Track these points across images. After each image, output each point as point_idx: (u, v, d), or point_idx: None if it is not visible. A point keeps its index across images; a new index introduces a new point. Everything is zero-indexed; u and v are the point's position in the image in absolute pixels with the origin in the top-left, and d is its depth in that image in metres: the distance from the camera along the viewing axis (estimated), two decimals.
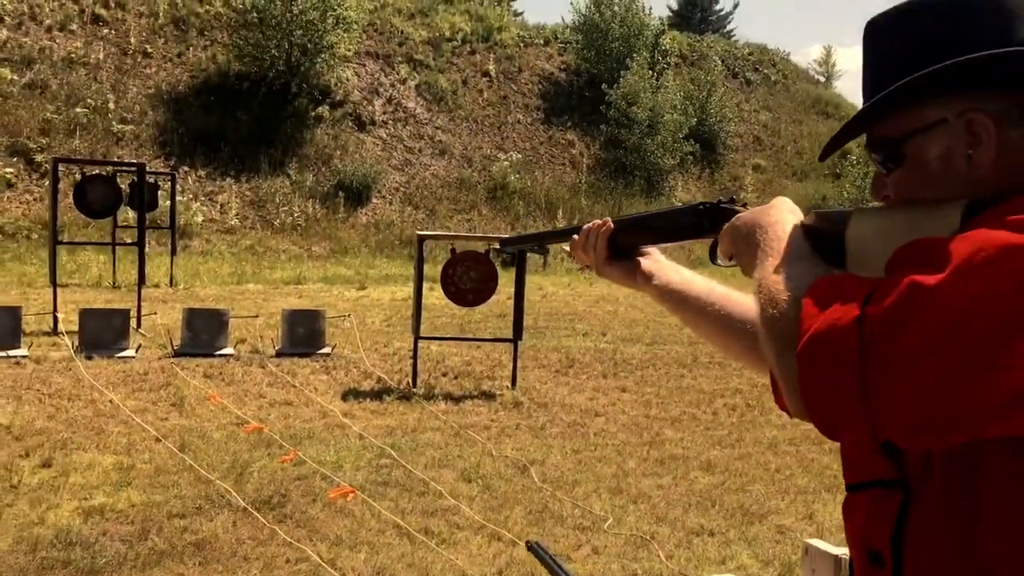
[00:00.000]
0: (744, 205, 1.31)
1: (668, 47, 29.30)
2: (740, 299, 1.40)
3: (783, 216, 1.14)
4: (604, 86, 25.85)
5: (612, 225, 1.51)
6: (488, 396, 7.88)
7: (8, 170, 18.21)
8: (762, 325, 0.99)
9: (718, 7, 47.25)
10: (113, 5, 22.91)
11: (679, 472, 6.02)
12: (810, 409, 0.91)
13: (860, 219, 1.08)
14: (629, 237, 1.51)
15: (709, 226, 1.36)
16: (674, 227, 1.45)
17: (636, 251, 1.52)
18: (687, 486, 5.74)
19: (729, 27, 46.41)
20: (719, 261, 1.33)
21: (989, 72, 0.99)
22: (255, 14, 22.18)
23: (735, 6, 66.93)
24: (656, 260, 1.52)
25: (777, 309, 0.97)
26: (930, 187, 1.03)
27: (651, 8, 29.02)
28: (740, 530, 5.00)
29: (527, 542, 2.31)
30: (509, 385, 8.23)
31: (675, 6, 45.75)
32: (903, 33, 1.06)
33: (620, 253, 1.52)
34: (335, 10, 22.61)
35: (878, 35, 1.10)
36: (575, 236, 1.58)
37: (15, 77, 20.09)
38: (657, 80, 26.24)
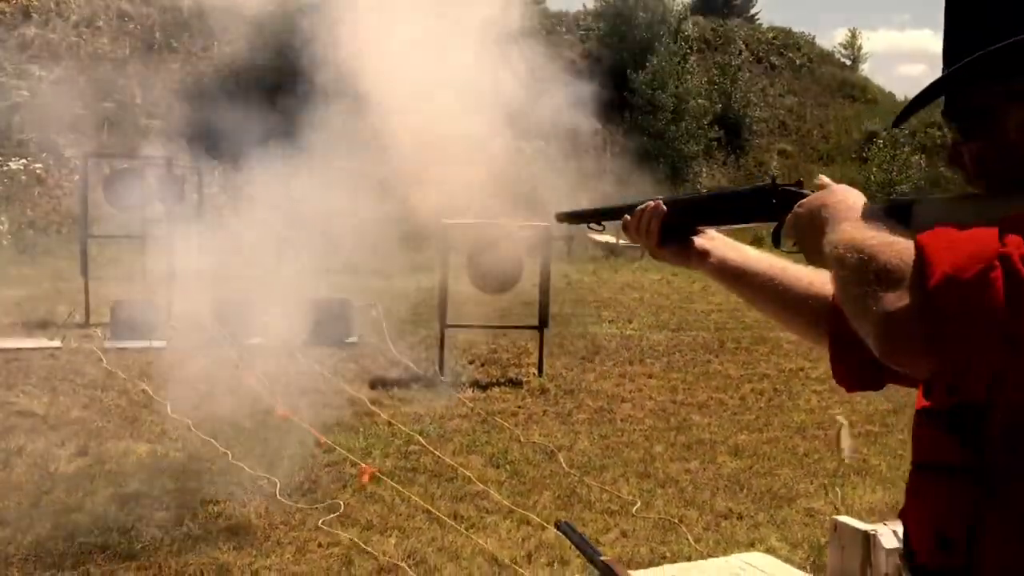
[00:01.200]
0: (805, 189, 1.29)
1: (691, 33, 29.09)
2: (797, 272, 1.39)
3: (849, 194, 1.14)
4: (629, 72, 25.71)
5: (664, 209, 1.45)
6: (515, 383, 7.91)
7: (38, 166, 18.44)
8: (851, 272, 0.97)
9: None
10: (138, 1, 23.09)
11: (707, 456, 6.02)
12: (929, 350, 0.88)
13: (924, 207, 1.07)
14: (684, 219, 1.46)
15: (773, 209, 1.31)
16: (736, 210, 1.40)
17: (691, 231, 1.48)
18: (715, 470, 5.74)
19: (753, 11, 45.97)
20: (783, 246, 1.30)
21: None
22: (280, 8, 22.23)
23: None
24: (711, 237, 1.49)
25: (868, 253, 0.95)
26: (1009, 159, 1.01)
27: None
28: (769, 513, 5.01)
29: (557, 522, 2.34)
30: (536, 372, 8.25)
31: None
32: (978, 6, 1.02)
33: (674, 234, 1.47)
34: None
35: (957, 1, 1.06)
36: (627, 216, 1.52)
37: (43, 74, 20.32)
38: (681, 66, 26.08)
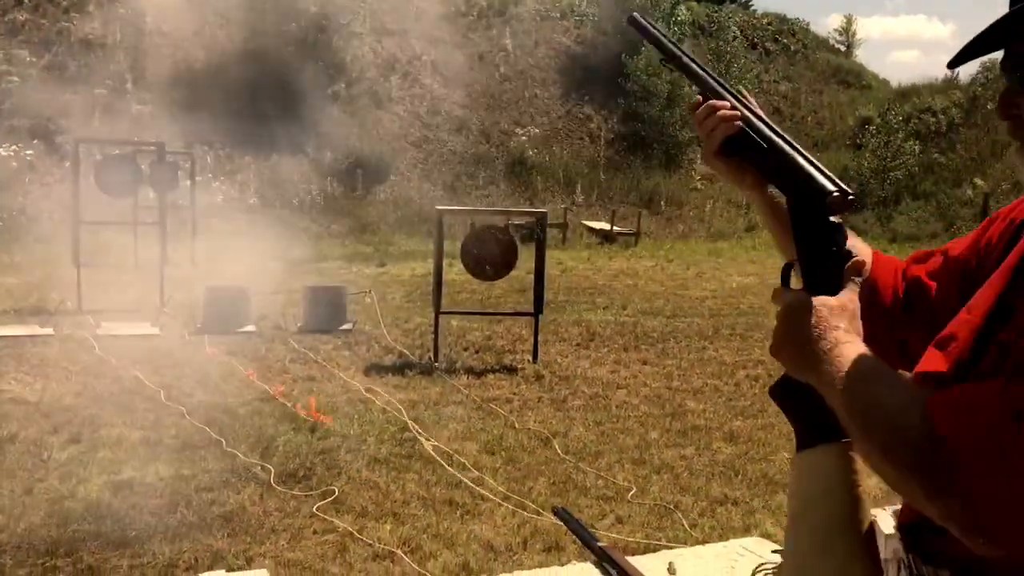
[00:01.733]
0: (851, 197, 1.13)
1: (685, 18, 29.00)
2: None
3: (851, 338, 1.04)
4: (624, 56, 25.64)
5: (737, 127, 1.27)
6: (510, 370, 7.90)
7: (29, 152, 18.33)
8: (876, 448, 0.95)
9: None
10: None
11: (702, 443, 6.02)
12: (991, 525, 0.87)
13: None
14: (748, 148, 1.25)
15: (817, 215, 1.12)
16: (790, 185, 1.19)
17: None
18: (710, 456, 5.74)
19: None
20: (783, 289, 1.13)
21: None
22: None
23: None
24: None
25: (883, 429, 0.93)
26: None
27: None
28: (764, 499, 5.00)
29: (554, 508, 2.32)
30: (530, 359, 8.24)
31: None
32: None
33: (736, 150, 1.27)
34: None
35: None
36: (700, 97, 1.31)
37: (34, 59, 20.19)
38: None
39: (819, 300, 1.06)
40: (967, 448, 0.87)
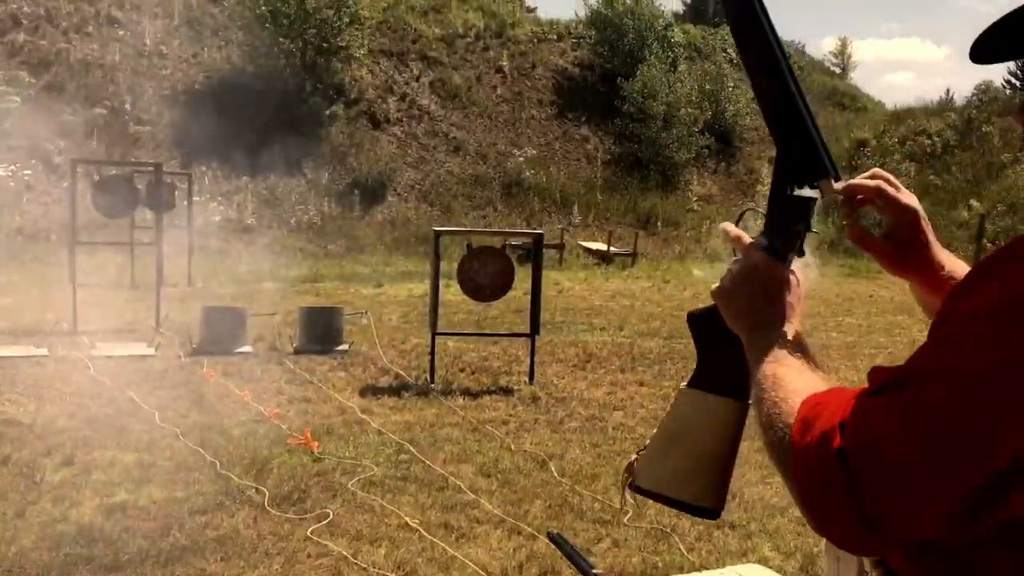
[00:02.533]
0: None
1: (679, 40, 29.20)
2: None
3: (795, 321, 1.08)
4: (620, 79, 25.78)
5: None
6: (506, 391, 7.88)
7: (27, 172, 18.36)
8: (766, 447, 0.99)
9: None
10: (128, 7, 23.04)
11: None
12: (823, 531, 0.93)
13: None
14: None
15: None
16: (792, 147, 1.16)
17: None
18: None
19: None
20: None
21: None
22: (268, 14, 22.24)
23: None
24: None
25: (774, 434, 0.97)
26: None
27: (662, 3, 28.85)
28: (761, 522, 4.98)
29: (549, 533, 2.30)
30: (527, 380, 8.22)
31: (688, 0, 45.54)
32: None
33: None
34: (349, 8, 22.66)
35: None
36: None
37: (33, 80, 20.25)
38: (671, 73, 26.16)
39: (790, 274, 1.10)
40: (796, 452, 0.90)
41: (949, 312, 0.87)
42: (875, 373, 0.92)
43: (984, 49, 0.98)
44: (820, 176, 1.14)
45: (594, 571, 2.00)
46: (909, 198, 1.23)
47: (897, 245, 1.23)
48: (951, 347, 0.84)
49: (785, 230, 1.13)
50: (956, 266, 1.24)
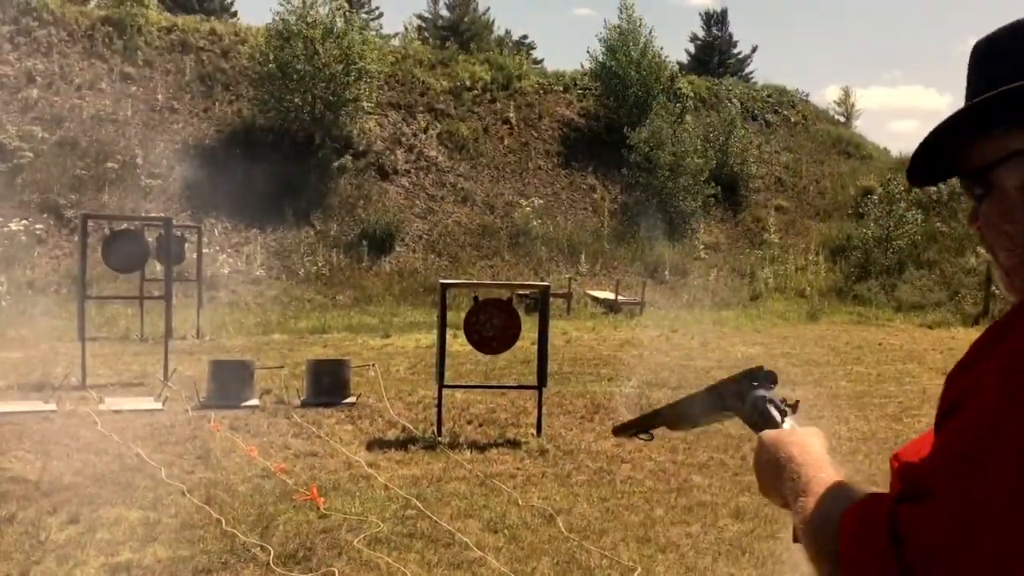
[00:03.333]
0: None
1: (685, 90, 29.50)
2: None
3: (810, 443, 1.17)
4: (626, 130, 26.02)
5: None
6: (513, 444, 7.84)
7: (39, 226, 18.54)
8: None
9: (736, 51, 47.60)
10: (141, 63, 23.44)
11: (708, 519, 5.93)
12: None
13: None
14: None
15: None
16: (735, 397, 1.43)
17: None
18: (716, 534, 5.65)
19: (747, 70, 46.69)
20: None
21: None
22: (278, 70, 22.59)
23: (754, 49, 67.36)
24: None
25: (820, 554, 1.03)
26: (1010, 219, 1.02)
27: (667, 54, 29.20)
28: None
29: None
30: (534, 432, 8.18)
31: (693, 51, 46.15)
32: (987, 58, 1.04)
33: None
34: (357, 63, 23.01)
35: (976, 58, 1.07)
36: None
37: (46, 135, 20.55)
38: (678, 123, 26.39)
39: (766, 435, 1.24)
40: (851, 565, 0.95)
41: (959, 395, 0.94)
42: (904, 470, 0.98)
43: (916, 176, 1.12)
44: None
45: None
46: None
47: None
48: (975, 440, 0.89)
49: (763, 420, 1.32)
50: None
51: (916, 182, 1.14)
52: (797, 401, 1.33)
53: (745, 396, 1.35)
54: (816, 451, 1.15)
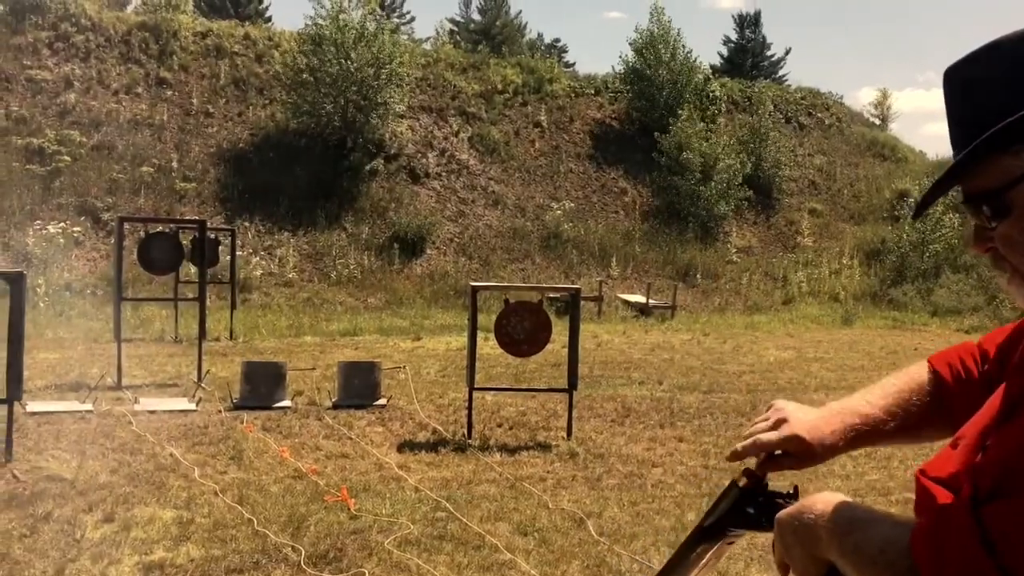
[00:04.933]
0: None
1: (718, 94, 29.34)
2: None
3: (832, 505, 1.13)
4: (657, 134, 25.92)
5: None
6: (544, 447, 7.82)
7: (76, 229, 18.81)
8: None
9: (769, 53, 47.28)
10: (177, 68, 23.73)
11: None
12: None
13: None
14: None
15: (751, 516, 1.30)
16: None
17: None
18: (748, 539, 5.58)
19: (781, 72, 46.36)
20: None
21: None
22: (310, 74, 22.77)
23: (787, 52, 66.87)
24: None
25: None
26: None
27: (698, 57, 29.05)
28: None
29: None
30: (565, 435, 8.16)
31: (726, 53, 45.90)
32: (986, 74, 1.03)
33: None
34: (388, 66, 23.13)
35: (957, 83, 1.07)
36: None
37: (84, 139, 20.86)
38: (710, 127, 26.25)
39: (781, 514, 1.17)
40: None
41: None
42: (981, 471, 0.97)
43: (920, 211, 1.16)
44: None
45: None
46: (785, 434, 1.36)
47: (810, 462, 1.38)
48: None
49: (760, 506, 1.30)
50: (895, 397, 1.38)
51: (917, 216, 1.17)
52: (796, 487, 1.30)
53: (754, 513, 1.29)
54: (840, 498, 1.12)
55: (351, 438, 7.81)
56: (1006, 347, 1.26)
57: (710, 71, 30.79)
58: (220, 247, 15.95)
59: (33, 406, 8.26)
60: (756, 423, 1.41)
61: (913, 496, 1.10)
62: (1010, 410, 0.97)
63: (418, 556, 5.07)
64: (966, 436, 1.11)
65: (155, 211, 19.59)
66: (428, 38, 39.13)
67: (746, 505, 1.30)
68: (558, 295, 17.12)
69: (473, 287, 8.52)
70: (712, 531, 1.34)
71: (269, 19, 39.83)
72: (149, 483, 6.27)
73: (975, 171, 1.03)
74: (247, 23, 29.15)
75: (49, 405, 8.45)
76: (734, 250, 24.94)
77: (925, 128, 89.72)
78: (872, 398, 1.36)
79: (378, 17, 24.32)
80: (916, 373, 1.39)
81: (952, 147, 1.07)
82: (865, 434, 1.35)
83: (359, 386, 9.21)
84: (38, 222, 18.53)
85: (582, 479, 6.90)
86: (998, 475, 0.91)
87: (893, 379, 1.39)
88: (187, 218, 17.46)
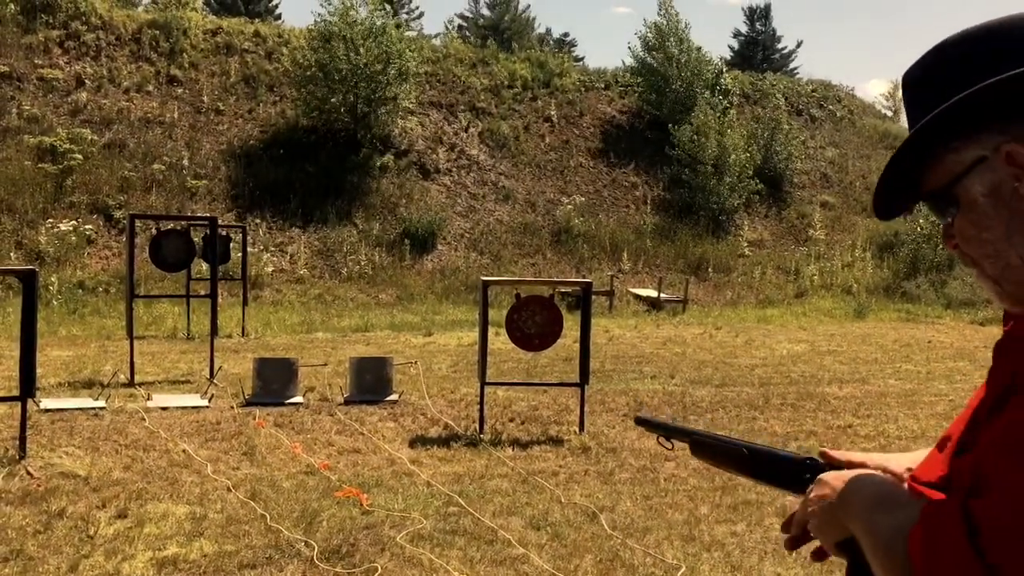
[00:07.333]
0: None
1: (730, 86, 29.21)
2: None
3: (866, 488, 1.13)
4: (670, 127, 25.82)
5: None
6: (556, 441, 7.81)
7: (88, 227, 18.88)
8: None
9: (780, 46, 47.07)
10: (187, 66, 23.77)
11: (753, 518, 5.85)
12: None
13: None
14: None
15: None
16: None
17: None
18: (762, 533, 5.57)
19: (792, 65, 46.14)
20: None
21: (1019, 98, 0.98)
22: (319, 70, 22.77)
23: (799, 44, 66.57)
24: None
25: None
26: (986, 228, 1.02)
27: (709, 51, 28.94)
28: None
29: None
30: (577, 430, 8.14)
31: (736, 46, 45.72)
32: (933, 76, 1.06)
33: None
34: (397, 62, 23.12)
35: (908, 87, 1.11)
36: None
37: (95, 137, 20.92)
38: (721, 119, 26.14)
39: (823, 477, 1.19)
40: (933, 572, 0.92)
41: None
42: (972, 465, 0.97)
43: (882, 210, 1.16)
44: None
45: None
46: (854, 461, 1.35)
47: None
48: None
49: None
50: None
51: (882, 215, 1.17)
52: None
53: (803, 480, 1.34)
54: (880, 476, 1.14)
55: (363, 433, 7.81)
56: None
57: (722, 64, 30.63)
58: (231, 244, 15.97)
59: (47, 403, 8.30)
60: None
61: None
62: (995, 407, 0.98)
63: (430, 551, 5.07)
64: (952, 437, 1.12)
65: (166, 209, 19.65)
66: (438, 34, 39.13)
67: (805, 472, 1.35)
68: (569, 290, 17.10)
69: (484, 282, 8.50)
70: (760, 465, 1.44)
71: (279, 16, 39.89)
72: (162, 479, 6.29)
73: (929, 172, 1.08)
74: (257, 20, 29.18)
75: (62, 402, 8.48)
76: (746, 244, 24.85)
77: None
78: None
79: (385, 13, 24.28)
80: None
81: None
82: None
83: (371, 382, 9.22)
84: (50, 220, 18.61)
85: (594, 473, 6.88)
86: (982, 470, 0.93)
87: None
88: (198, 215, 17.50)
